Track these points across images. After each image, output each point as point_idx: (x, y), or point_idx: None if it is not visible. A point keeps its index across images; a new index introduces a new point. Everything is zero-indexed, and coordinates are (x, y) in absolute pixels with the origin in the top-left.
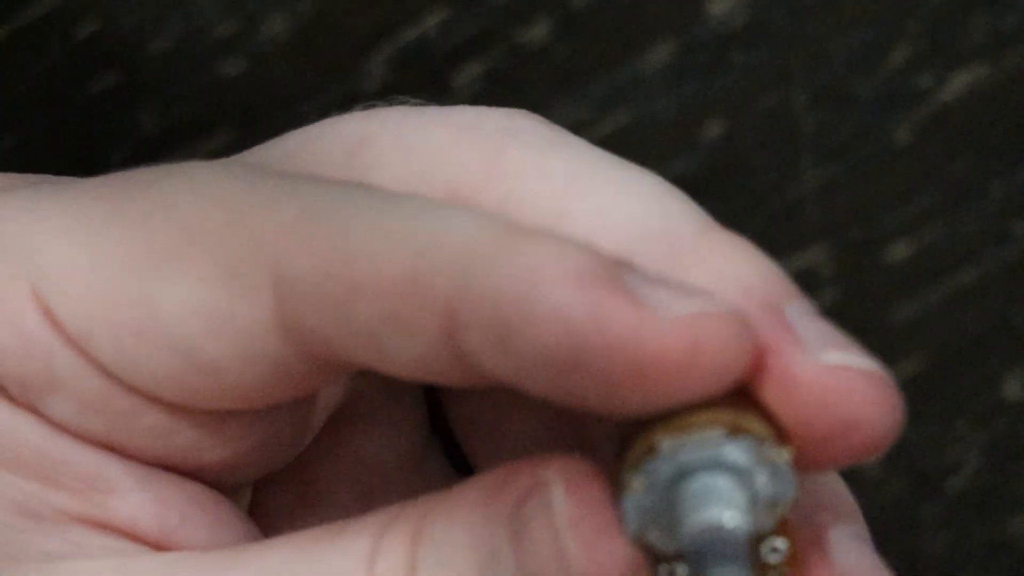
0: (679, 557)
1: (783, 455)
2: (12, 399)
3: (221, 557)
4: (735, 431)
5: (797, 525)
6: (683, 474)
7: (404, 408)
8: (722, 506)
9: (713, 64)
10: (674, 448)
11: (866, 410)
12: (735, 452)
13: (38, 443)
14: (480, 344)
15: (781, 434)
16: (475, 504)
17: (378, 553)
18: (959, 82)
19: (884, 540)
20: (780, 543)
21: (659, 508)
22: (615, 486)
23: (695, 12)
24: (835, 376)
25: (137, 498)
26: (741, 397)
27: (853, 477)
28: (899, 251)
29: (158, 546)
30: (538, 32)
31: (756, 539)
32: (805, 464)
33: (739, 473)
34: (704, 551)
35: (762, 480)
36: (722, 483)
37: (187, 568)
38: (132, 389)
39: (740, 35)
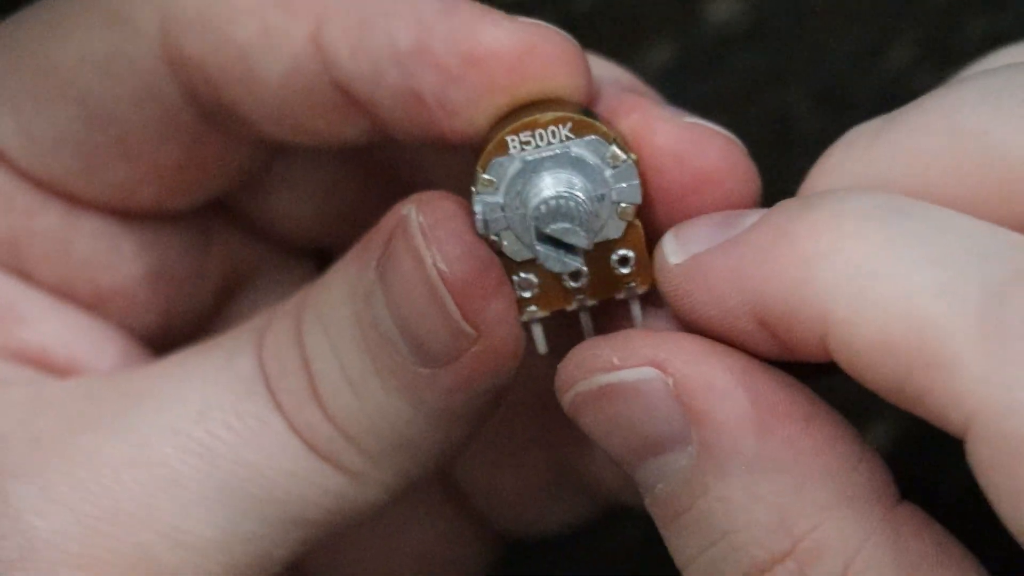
0: (531, 264)
1: (629, 156)
2: None
3: (125, 372)
4: (581, 130)
5: (644, 233)
6: (532, 169)
7: (294, 269)
8: (568, 186)
9: (713, 64)
10: (521, 144)
11: (721, 164)
12: (581, 148)
13: None
14: (339, 45)
15: (627, 143)
16: (347, 265)
17: (266, 330)
18: None
19: None
20: (628, 253)
21: (510, 206)
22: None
23: (695, 13)
24: (692, 131)
25: (46, 326)
26: (591, 115)
27: None
28: None
29: (68, 373)
30: None
31: (606, 246)
32: (668, 218)
33: (586, 168)
34: (547, 216)
35: (608, 178)
36: (569, 174)
37: (95, 385)
38: (31, 181)
39: (740, 35)
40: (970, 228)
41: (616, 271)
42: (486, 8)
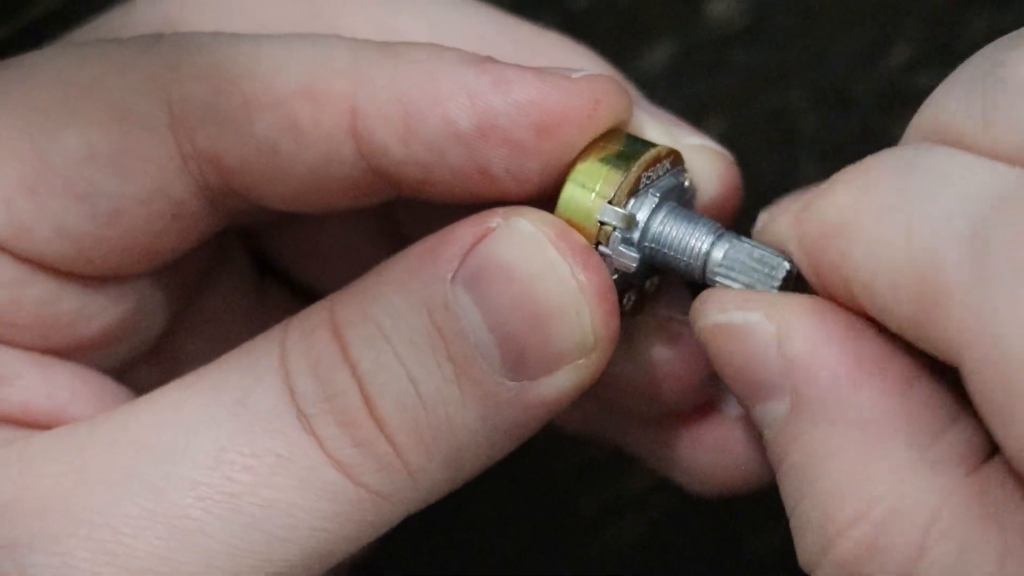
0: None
1: (693, 184)
2: None
3: (114, 419)
4: (676, 161)
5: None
6: (660, 204)
7: (232, 258)
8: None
9: (713, 64)
10: (646, 178)
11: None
12: (679, 177)
13: None
14: (386, 135)
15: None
16: (406, 276)
17: (289, 359)
18: None
19: None
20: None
21: (646, 241)
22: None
23: (695, 12)
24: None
25: (27, 382)
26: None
27: None
28: None
29: (49, 425)
30: None
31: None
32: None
33: (683, 198)
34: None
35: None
36: (694, 214)
37: (85, 436)
38: (22, 259)
39: (740, 35)
40: (970, 165)
41: (648, 290)
42: (536, 70)
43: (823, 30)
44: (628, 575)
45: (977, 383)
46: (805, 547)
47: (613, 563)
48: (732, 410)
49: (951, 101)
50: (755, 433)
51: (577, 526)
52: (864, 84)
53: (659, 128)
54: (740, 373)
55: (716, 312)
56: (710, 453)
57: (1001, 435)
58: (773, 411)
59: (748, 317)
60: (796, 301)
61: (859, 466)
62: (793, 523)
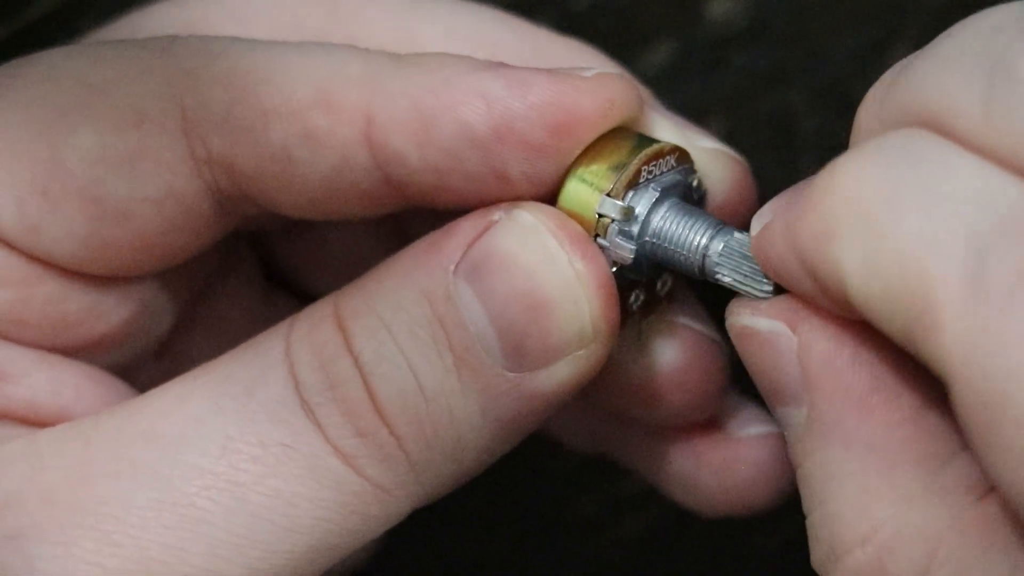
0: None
1: (703, 186)
2: None
3: (119, 413)
4: (682, 159)
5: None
6: (662, 199)
7: (239, 260)
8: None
9: (713, 64)
10: (647, 172)
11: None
12: (683, 175)
13: None
14: (402, 142)
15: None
16: (405, 269)
17: (294, 350)
18: None
19: None
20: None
21: (645, 236)
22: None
23: (695, 12)
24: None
25: (33, 379)
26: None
27: None
28: None
29: (55, 422)
30: None
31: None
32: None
33: (689, 195)
34: (723, 263)
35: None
36: (697, 210)
37: (91, 430)
38: (31, 257)
39: (740, 35)
40: (969, 171)
41: (660, 291)
42: (549, 71)
43: (823, 30)
44: (628, 575)
45: (963, 408)
46: (817, 553)
47: (613, 563)
48: (738, 431)
49: (947, 82)
50: (760, 456)
51: (577, 525)
52: (864, 84)
53: (672, 130)
54: (762, 377)
55: (748, 315)
56: (713, 473)
57: (984, 461)
58: (792, 416)
59: (771, 325)
60: (822, 316)
61: (867, 489)
62: (808, 525)
